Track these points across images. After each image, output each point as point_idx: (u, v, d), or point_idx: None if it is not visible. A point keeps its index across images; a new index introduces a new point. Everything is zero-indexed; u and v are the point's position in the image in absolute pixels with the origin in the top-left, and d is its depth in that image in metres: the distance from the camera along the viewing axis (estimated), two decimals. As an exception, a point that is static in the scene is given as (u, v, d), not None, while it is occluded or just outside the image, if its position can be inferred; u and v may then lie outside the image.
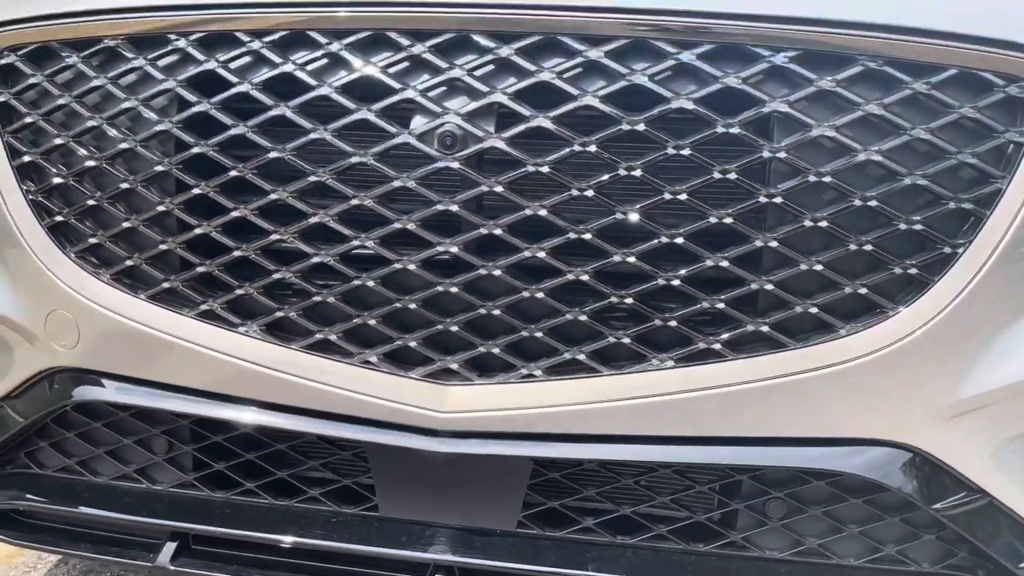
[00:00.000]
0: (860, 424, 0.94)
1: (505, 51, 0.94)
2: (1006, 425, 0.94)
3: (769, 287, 0.93)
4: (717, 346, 0.94)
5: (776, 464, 0.97)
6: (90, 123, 1.04)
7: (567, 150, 0.93)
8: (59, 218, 1.06)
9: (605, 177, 0.92)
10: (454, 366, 1.00)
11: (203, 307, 1.03)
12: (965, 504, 0.96)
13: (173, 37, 1.02)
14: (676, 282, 0.93)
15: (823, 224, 0.90)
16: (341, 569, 1.10)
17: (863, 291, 0.91)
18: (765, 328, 0.93)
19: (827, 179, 0.90)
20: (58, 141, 1.05)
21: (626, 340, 0.96)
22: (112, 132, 1.03)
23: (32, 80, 1.06)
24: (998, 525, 0.97)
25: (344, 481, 1.10)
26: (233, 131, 0.99)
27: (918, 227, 0.90)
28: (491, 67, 0.95)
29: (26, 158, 1.07)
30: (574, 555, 1.04)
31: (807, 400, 0.94)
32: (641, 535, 1.04)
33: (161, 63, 1.02)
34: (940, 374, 0.92)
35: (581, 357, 0.97)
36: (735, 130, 0.90)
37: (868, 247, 0.90)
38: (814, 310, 0.92)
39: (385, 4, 0.97)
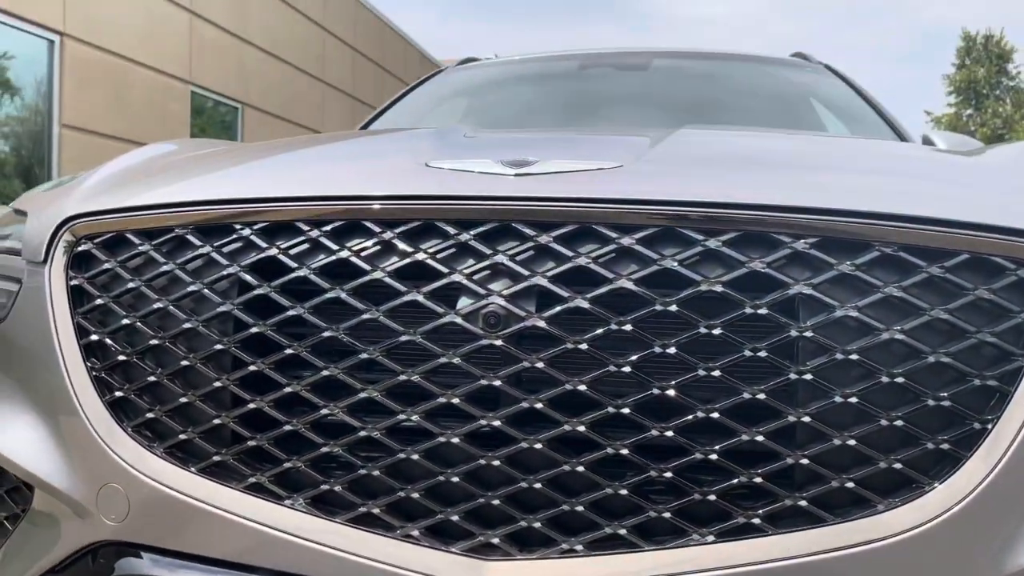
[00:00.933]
0: (906, 602, 0.93)
1: (544, 238, 1.02)
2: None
3: (805, 462, 0.95)
4: (756, 520, 0.96)
5: (823, 644, 0.95)
6: (157, 305, 1.12)
7: (604, 329, 0.98)
8: (119, 393, 1.12)
9: (641, 354, 0.97)
10: (495, 540, 1.01)
11: (251, 480, 1.06)
12: None
13: (237, 226, 1.11)
14: (714, 456, 0.96)
15: (853, 400, 0.94)
16: None
17: (898, 466, 0.94)
18: (803, 503, 0.95)
19: (853, 357, 0.94)
20: (125, 321, 1.13)
21: (666, 515, 0.97)
22: (176, 312, 1.10)
23: (105, 266, 1.16)
24: None
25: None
26: (291, 312, 1.06)
27: (946, 403, 0.93)
28: (531, 253, 1.02)
29: (93, 337, 1.14)
30: None
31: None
32: None
33: (225, 249, 1.11)
34: (982, 549, 0.92)
35: (622, 532, 0.98)
36: (763, 311, 0.96)
37: (899, 423, 0.94)
38: (851, 485, 0.94)
39: (429, 198, 1.06)
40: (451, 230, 1.04)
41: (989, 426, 0.92)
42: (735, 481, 0.96)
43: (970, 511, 0.91)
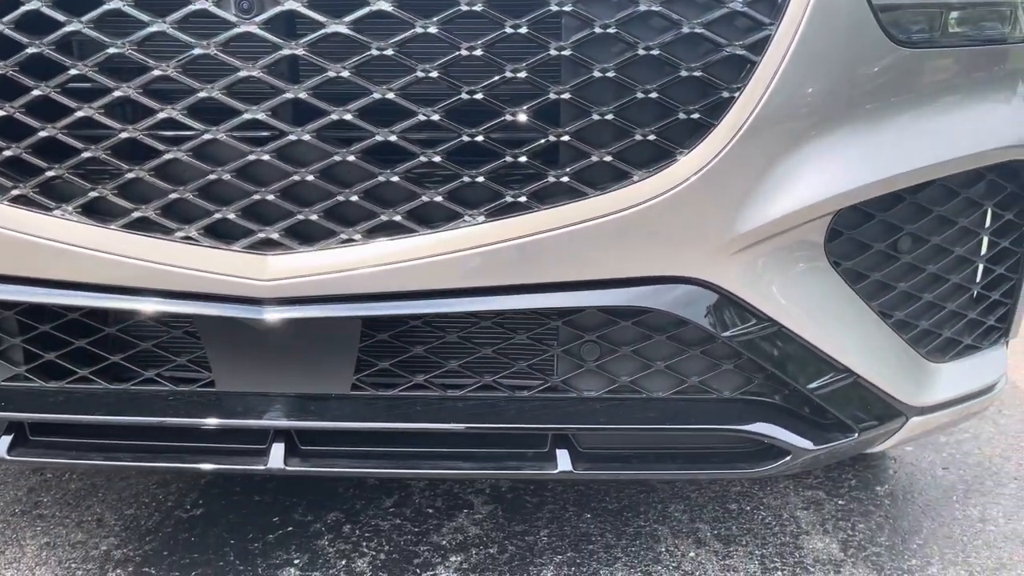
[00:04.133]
0: (657, 263, 1.01)
1: (297, -87, 0.94)
2: (784, 256, 1.03)
3: (566, 139, 0.98)
4: (523, 199, 1.00)
5: (585, 305, 1.03)
6: None
7: (367, 9, 0.94)
8: None
9: (406, 34, 0.95)
10: (275, 236, 1.02)
11: (15, 192, 1.02)
12: (755, 332, 1.05)
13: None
14: (480, 138, 0.97)
15: (612, 75, 0.96)
16: (182, 446, 1.13)
17: (652, 137, 0.98)
18: (565, 179, 0.99)
19: (613, 31, 0.95)
20: None
21: (438, 199, 1.00)
22: None
23: None
24: (786, 350, 1.07)
25: (179, 360, 1.12)
26: (27, 6, 0.96)
27: (698, 74, 0.96)
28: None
29: None
30: (406, 410, 1.09)
31: (608, 244, 1.00)
32: (468, 387, 1.10)
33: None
34: (723, 211, 1.00)
35: (397, 219, 1.01)
36: (527, -16, 0.94)
37: (654, 95, 0.96)
38: (608, 159, 0.98)
39: None
40: (194, -93, 0.95)
41: (736, 94, 0.97)
42: (500, 162, 0.98)
43: (713, 175, 0.97)
